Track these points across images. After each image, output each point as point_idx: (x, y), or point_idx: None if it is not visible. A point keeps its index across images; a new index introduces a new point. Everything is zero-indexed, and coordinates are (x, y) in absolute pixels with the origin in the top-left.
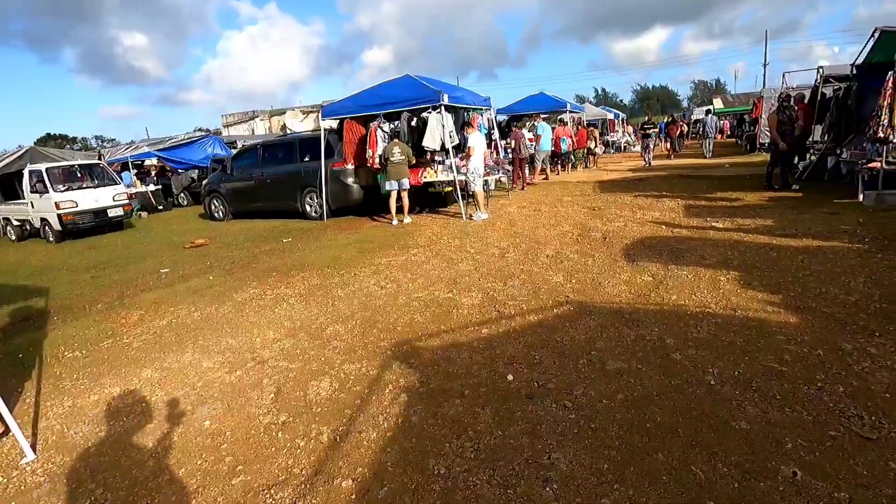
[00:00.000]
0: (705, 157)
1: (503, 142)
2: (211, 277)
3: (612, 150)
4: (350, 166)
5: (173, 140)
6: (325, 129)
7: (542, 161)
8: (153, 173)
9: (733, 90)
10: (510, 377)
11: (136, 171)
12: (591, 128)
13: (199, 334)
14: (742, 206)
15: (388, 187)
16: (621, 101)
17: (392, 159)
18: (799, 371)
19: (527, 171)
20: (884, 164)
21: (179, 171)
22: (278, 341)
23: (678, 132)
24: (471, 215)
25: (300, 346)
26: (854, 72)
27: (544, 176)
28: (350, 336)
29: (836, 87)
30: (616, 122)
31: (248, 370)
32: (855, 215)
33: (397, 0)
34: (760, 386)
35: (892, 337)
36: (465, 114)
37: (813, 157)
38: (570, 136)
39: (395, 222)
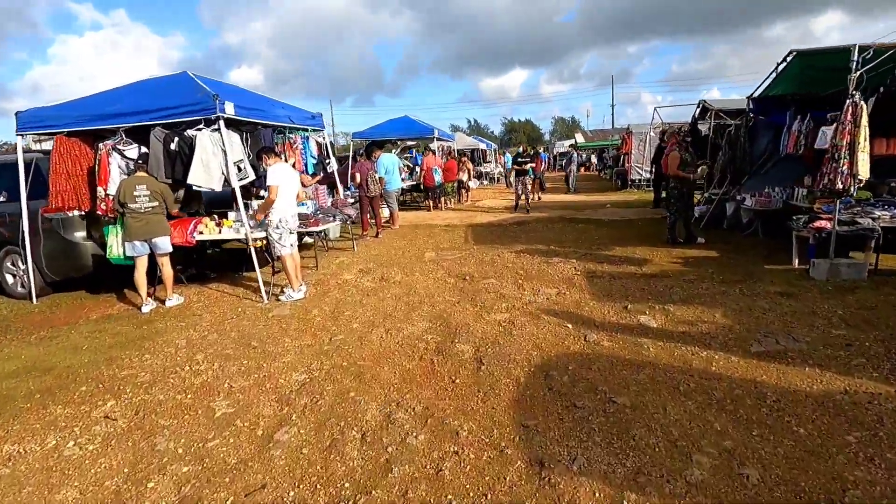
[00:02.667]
0: (570, 192)
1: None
2: None
3: (486, 181)
4: (75, 212)
5: None
6: (23, 151)
7: (391, 203)
8: None
9: (586, 127)
10: None
11: None
12: (464, 158)
13: None
14: (659, 276)
15: (128, 251)
16: (492, 132)
17: (133, 205)
18: None
19: (385, 212)
20: (836, 225)
21: None
22: None
23: (543, 167)
24: (280, 292)
25: None
26: (750, 105)
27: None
28: None
29: (719, 123)
30: (489, 152)
31: None
32: (819, 299)
33: (269, 20)
34: None
35: None
36: (275, 136)
37: (701, 200)
38: (441, 166)
39: (146, 308)
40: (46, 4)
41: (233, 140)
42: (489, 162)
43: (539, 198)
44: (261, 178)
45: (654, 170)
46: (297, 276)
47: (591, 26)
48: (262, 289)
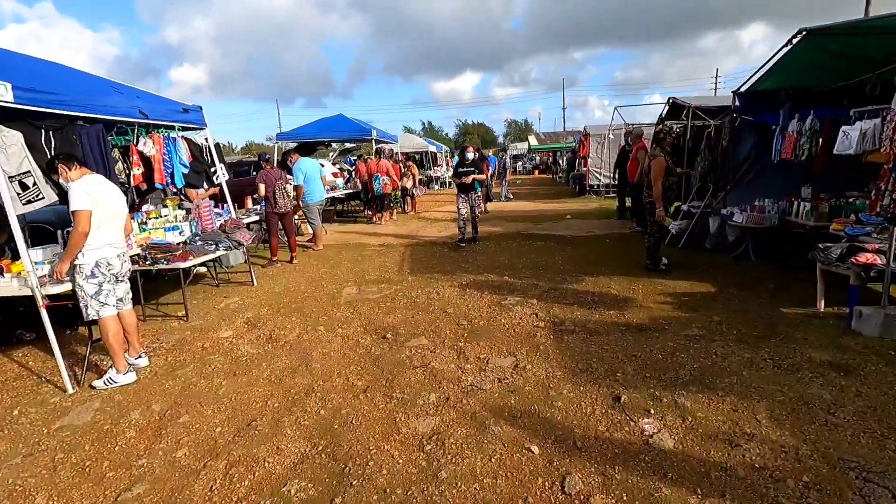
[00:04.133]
0: (507, 200)
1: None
2: None
3: (437, 186)
4: None
5: None
6: None
7: (312, 219)
8: None
9: (538, 129)
10: None
11: None
12: (409, 162)
13: None
14: (651, 329)
15: None
16: (446, 134)
17: None
18: None
19: (311, 228)
20: (892, 259)
21: None
22: None
23: (491, 174)
24: (103, 376)
25: None
26: (736, 102)
27: (308, 238)
28: None
29: (693, 124)
30: (440, 155)
31: None
32: (893, 377)
33: (211, 18)
34: None
35: None
36: (111, 135)
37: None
38: (387, 173)
39: None
40: None
41: (7, 142)
42: (440, 165)
43: (485, 210)
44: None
45: (616, 175)
46: (135, 345)
47: (538, 33)
48: (64, 373)
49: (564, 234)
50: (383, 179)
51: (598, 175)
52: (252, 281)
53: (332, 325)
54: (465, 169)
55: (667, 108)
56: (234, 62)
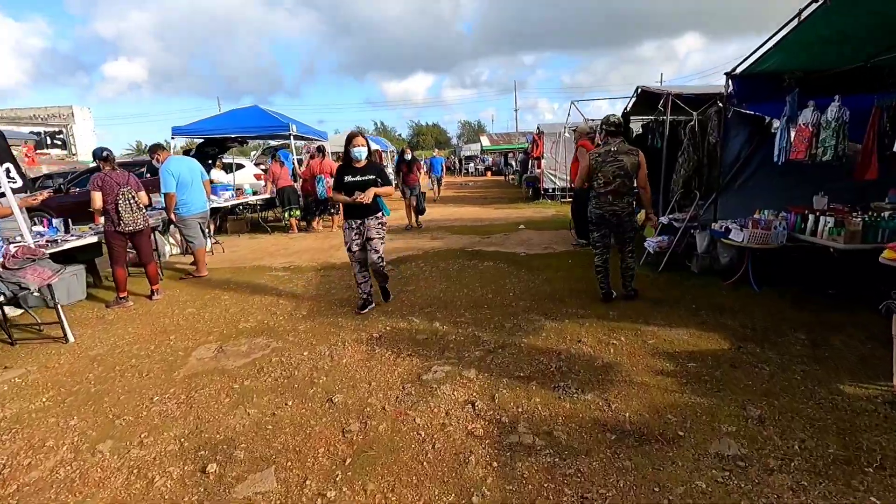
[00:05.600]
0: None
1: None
2: None
3: None
4: None
5: None
6: None
7: (191, 237)
8: None
9: (491, 130)
10: None
11: None
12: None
13: None
14: (651, 433)
15: None
16: (399, 135)
17: None
18: None
19: (190, 249)
20: None
21: None
22: None
23: (417, 179)
24: None
25: None
26: (731, 87)
27: (192, 261)
28: None
29: (657, 119)
30: (385, 154)
31: None
32: None
33: (149, 11)
34: None
35: None
36: None
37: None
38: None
39: None
40: None
41: None
42: (384, 165)
43: (418, 224)
44: None
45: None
46: None
47: (487, 36)
48: None
49: (518, 252)
50: (327, 181)
51: (553, 178)
52: (65, 335)
53: (129, 436)
54: (355, 178)
55: (633, 100)
56: (174, 58)
